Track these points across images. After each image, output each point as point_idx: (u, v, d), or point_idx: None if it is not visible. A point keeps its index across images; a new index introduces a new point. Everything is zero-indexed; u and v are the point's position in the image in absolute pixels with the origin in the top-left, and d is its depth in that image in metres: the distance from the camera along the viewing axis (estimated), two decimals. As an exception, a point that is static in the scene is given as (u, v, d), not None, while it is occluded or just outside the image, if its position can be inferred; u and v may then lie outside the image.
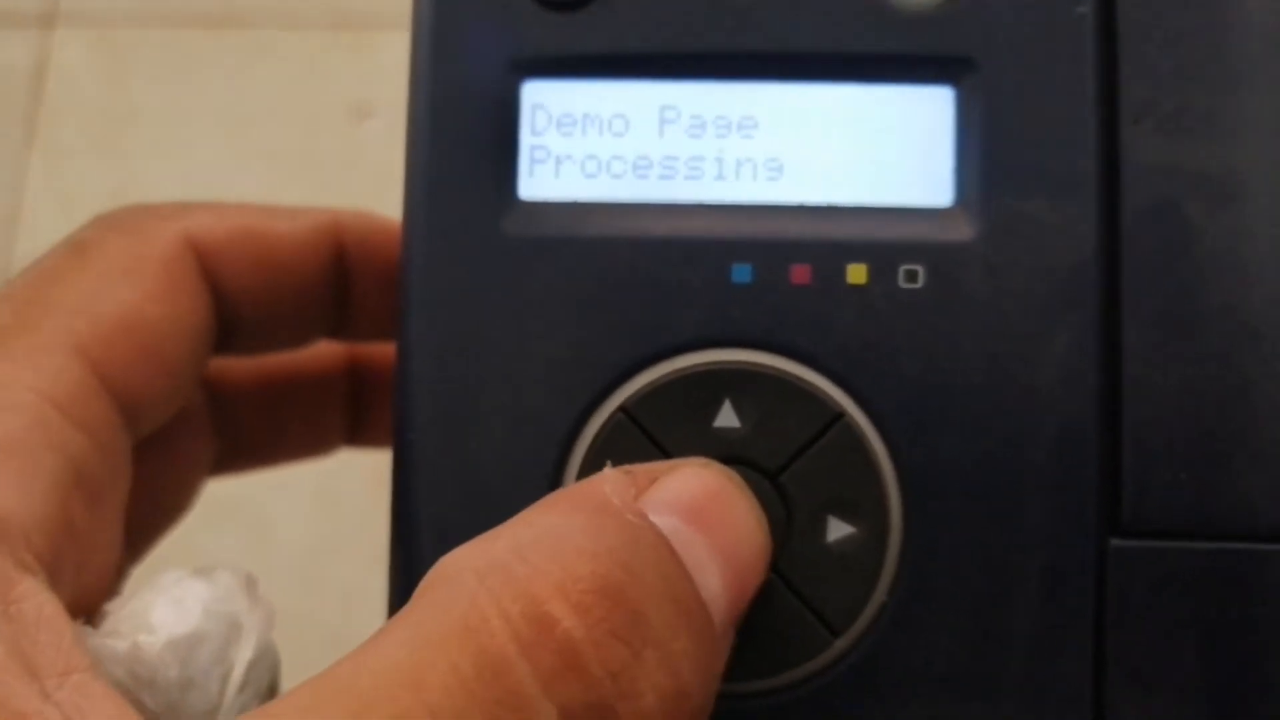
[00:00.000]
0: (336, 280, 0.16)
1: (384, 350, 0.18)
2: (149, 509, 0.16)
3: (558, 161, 0.14)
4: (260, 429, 0.18)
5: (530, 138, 0.14)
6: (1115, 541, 0.13)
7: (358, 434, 0.19)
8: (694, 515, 0.11)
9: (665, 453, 0.13)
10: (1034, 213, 0.13)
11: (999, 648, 0.13)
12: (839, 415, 0.13)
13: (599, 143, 0.14)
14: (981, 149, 0.13)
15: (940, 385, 0.13)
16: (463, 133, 0.14)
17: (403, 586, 0.13)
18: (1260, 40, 0.13)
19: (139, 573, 0.16)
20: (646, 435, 0.13)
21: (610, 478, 0.11)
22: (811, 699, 0.13)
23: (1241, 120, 0.13)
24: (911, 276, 0.13)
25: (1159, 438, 0.13)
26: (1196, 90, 0.13)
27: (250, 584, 0.13)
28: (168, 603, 0.13)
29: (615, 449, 0.13)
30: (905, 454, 0.13)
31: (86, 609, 0.13)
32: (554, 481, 0.13)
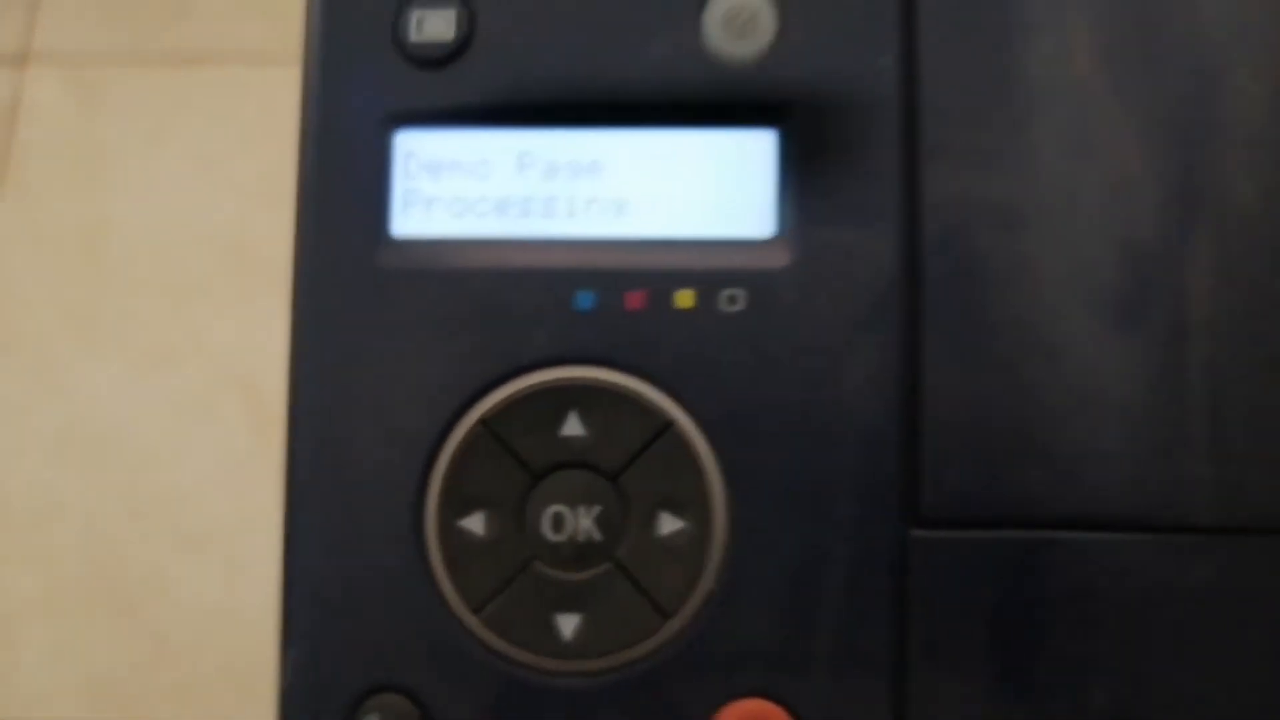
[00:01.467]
0: None
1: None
2: None
3: (427, 202, 0.16)
4: None
5: (403, 181, 0.16)
6: (915, 532, 0.15)
7: None
8: None
9: (519, 459, 0.15)
10: (843, 241, 0.15)
11: (811, 627, 0.15)
12: (669, 423, 0.15)
13: (464, 185, 0.16)
14: (799, 185, 0.15)
15: (759, 396, 0.15)
16: (343, 176, 0.16)
17: (286, 593, 0.15)
18: (1042, 88, 0.15)
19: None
20: (501, 443, 0.15)
21: None
22: (646, 675, 0.15)
23: (1025, 156, 0.15)
24: (733, 300, 0.15)
25: (954, 439, 0.15)
26: (985, 131, 0.15)
27: None
28: None
29: (474, 456, 0.15)
30: (728, 456, 0.15)
31: None
32: (420, 487, 0.15)
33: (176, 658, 0.94)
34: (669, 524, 0.15)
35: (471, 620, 0.15)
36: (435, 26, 0.15)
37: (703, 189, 0.15)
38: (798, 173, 0.15)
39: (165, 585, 0.95)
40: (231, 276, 0.98)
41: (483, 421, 0.15)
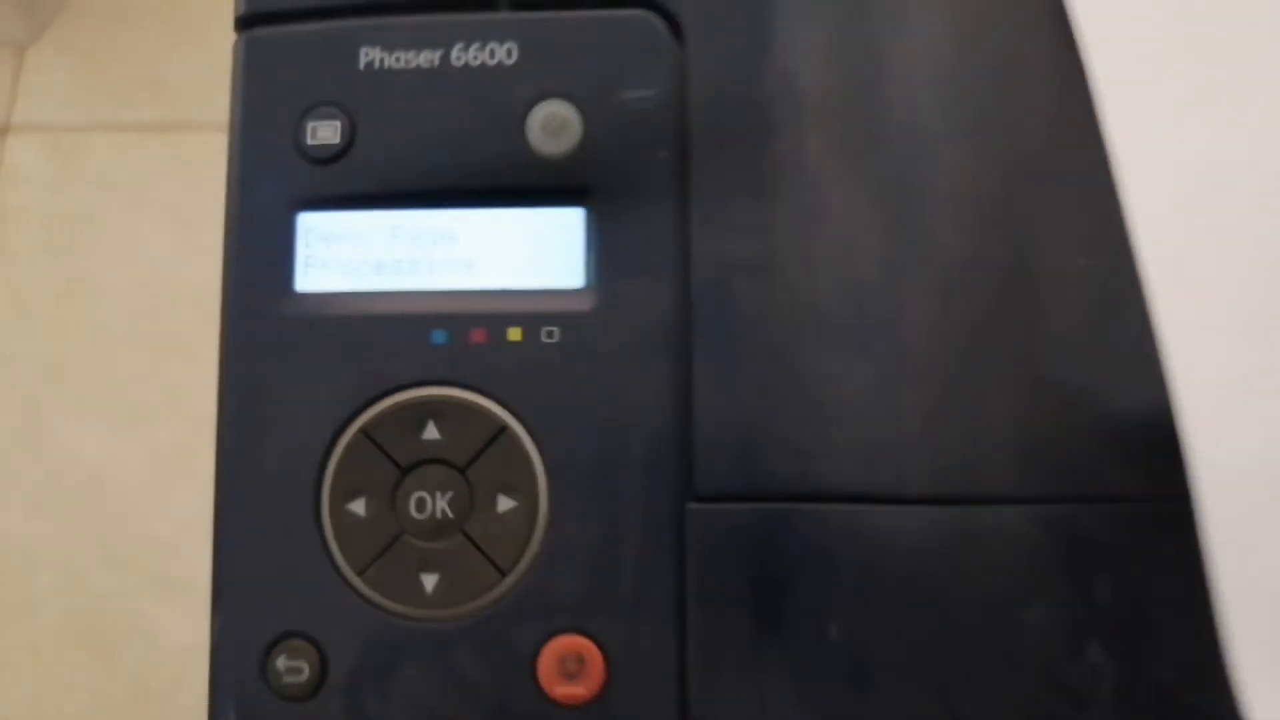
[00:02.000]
0: None
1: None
2: None
3: (322, 265, 0.20)
4: None
5: (303, 250, 0.20)
6: (691, 505, 0.20)
7: None
8: None
9: (390, 458, 0.20)
10: (634, 291, 0.20)
11: (613, 580, 0.19)
12: (504, 428, 0.20)
13: (350, 252, 0.21)
14: (600, 249, 0.20)
15: (572, 406, 0.20)
16: (259, 247, 0.20)
17: (216, 568, 0.20)
18: (784, 171, 0.20)
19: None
20: (377, 446, 0.20)
21: None
22: (489, 619, 0.19)
23: (771, 224, 0.20)
24: (551, 335, 0.20)
25: (719, 435, 0.20)
26: (740, 206, 0.20)
27: None
28: None
29: (357, 457, 0.20)
30: (549, 452, 0.20)
31: None
32: (317, 481, 0.20)
33: (155, 699, 0.97)
34: (505, 504, 0.20)
35: (356, 580, 0.19)
36: (325, 133, 0.20)
37: (529, 252, 0.20)
38: (599, 240, 0.20)
39: (144, 630, 0.98)
40: (208, 334, 1.02)
41: (363, 430, 0.20)
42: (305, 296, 0.20)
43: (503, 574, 0.19)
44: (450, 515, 0.20)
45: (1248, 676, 0.17)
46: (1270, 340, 0.18)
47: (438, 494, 0.20)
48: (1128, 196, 0.19)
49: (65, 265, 1.06)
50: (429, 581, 0.19)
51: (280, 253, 0.20)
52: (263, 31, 0.21)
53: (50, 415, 1.03)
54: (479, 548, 0.19)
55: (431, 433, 0.20)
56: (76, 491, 1.02)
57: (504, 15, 0.20)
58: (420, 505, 0.20)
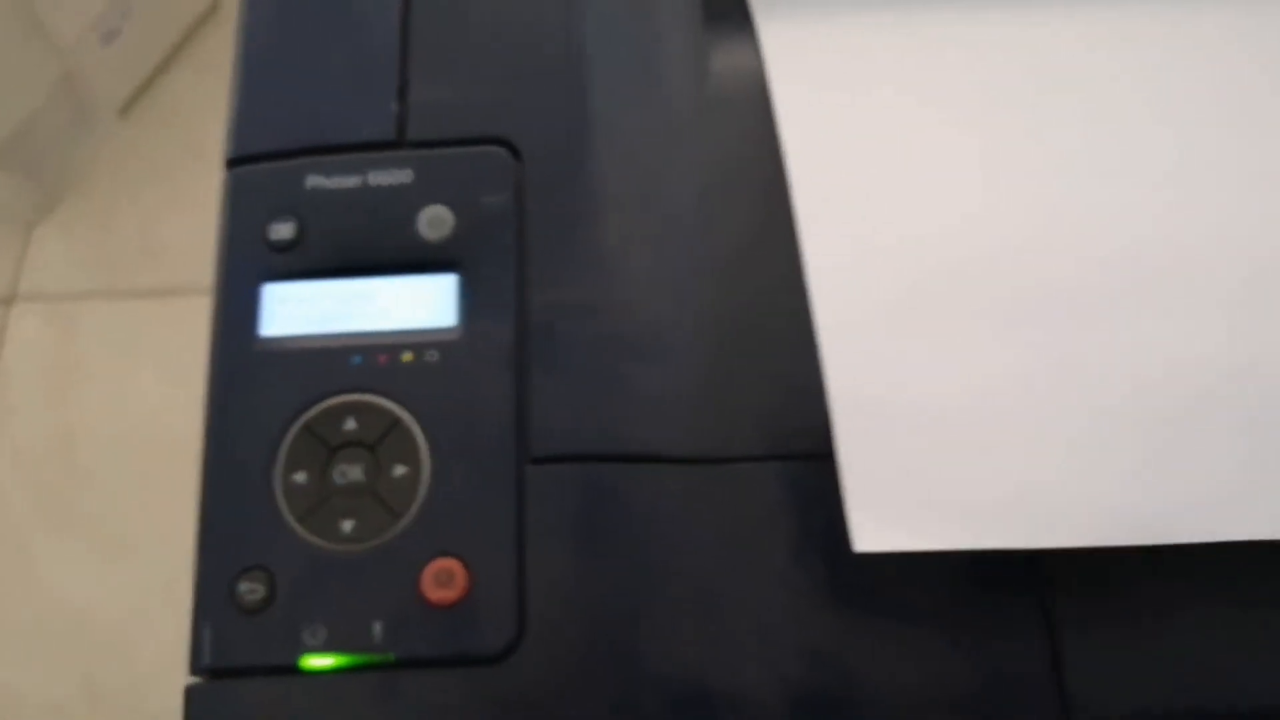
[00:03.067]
0: None
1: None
2: None
3: (279, 318, 0.30)
4: None
5: (267, 308, 0.30)
6: (528, 466, 0.29)
7: None
8: None
9: (323, 442, 0.29)
10: (488, 326, 0.30)
11: (474, 522, 0.28)
12: (399, 420, 0.29)
13: (299, 308, 0.30)
14: (466, 299, 0.30)
15: (446, 403, 0.29)
16: (238, 306, 0.30)
17: (201, 529, 0.29)
18: (598, 239, 0.30)
19: None
20: (315, 436, 0.29)
21: None
22: (389, 549, 0.28)
23: (583, 278, 0.30)
24: (432, 356, 0.29)
25: (547, 417, 0.29)
26: (562, 266, 0.30)
27: None
28: None
29: (300, 443, 0.29)
30: (430, 435, 0.29)
31: None
32: (271, 461, 0.29)
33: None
34: (399, 470, 0.29)
35: (298, 527, 0.28)
36: (283, 232, 0.30)
37: (420, 304, 0.30)
38: (465, 295, 0.30)
39: (125, 766, 1.02)
40: (195, 478, 1.09)
41: (305, 425, 0.29)
42: (267, 339, 0.30)
43: (398, 518, 0.28)
44: (363, 480, 0.29)
45: (853, 509, 0.25)
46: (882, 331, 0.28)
47: (355, 466, 0.29)
48: (807, 254, 0.29)
49: (60, 416, 1.15)
50: (347, 525, 0.28)
51: (251, 310, 0.30)
52: (243, 169, 0.31)
53: (39, 557, 1.10)
54: (382, 501, 0.28)
55: (351, 425, 0.29)
56: (63, 632, 1.08)
57: (403, 152, 0.31)
58: (343, 474, 0.29)
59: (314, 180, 0.31)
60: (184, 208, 1.28)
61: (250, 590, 0.28)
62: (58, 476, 1.17)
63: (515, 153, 0.31)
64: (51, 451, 1.11)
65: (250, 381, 0.29)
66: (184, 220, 1.27)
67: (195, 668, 0.28)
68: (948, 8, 0.35)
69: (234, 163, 0.32)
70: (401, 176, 0.31)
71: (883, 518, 0.25)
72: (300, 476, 0.29)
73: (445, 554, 0.28)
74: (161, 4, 1.24)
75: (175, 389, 1.18)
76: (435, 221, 0.30)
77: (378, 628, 0.28)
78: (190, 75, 1.30)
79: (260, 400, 0.29)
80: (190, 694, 0.28)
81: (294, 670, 0.27)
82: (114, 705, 1.09)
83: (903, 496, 0.26)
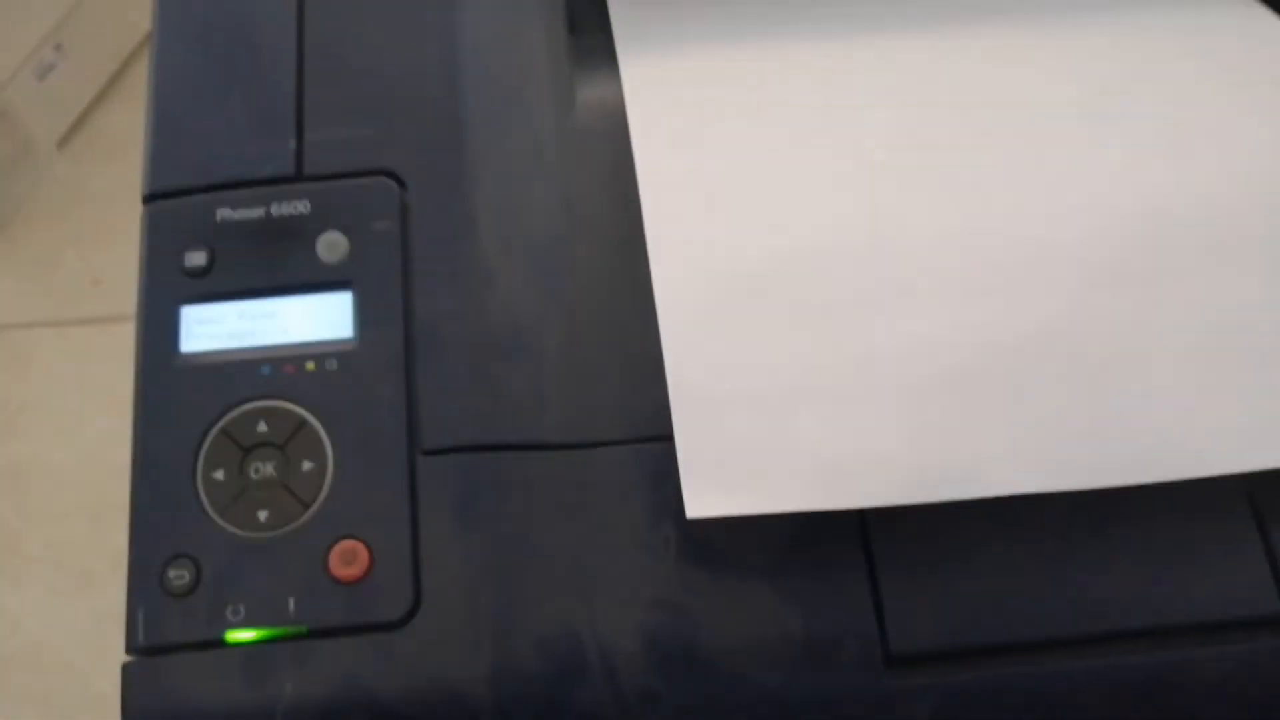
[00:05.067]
0: None
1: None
2: None
3: (196, 336, 0.34)
4: None
5: (185, 327, 0.34)
6: (420, 456, 0.33)
7: None
8: None
9: (238, 444, 0.33)
10: (380, 336, 0.34)
11: (373, 507, 0.32)
12: (305, 421, 0.33)
13: (213, 327, 0.34)
14: (360, 314, 0.34)
15: (345, 405, 0.33)
16: (159, 328, 0.34)
17: (132, 516, 0.32)
18: (473, 254, 0.35)
19: None
20: (230, 438, 0.33)
21: None
22: (299, 534, 0.32)
23: (461, 289, 0.34)
24: (332, 365, 0.33)
25: (434, 412, 0.33)
26: (442, 281, 0.34)
27: None
28: None
29: (219, 445, 0.33)
30: (332, 434, 0.33)
31: None
32: (195, 461, 0.33)
33: None
34: (307, 465, 0.33)
35: (218, 519, 0.32)
36: (196, 259, 0.34)
37: (319, 319, 0.34)
38: (359, 310, 0.34)
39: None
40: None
41: (222, 429, 0.33)
42: (186, 354, 0.34)
43: (307, 507, 0.32)
44: (275, 475, 0.33)
45: (685, 479, 0.30)
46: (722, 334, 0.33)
47: (268, 464, 0.33)
48: (652, 260, 0.34)
49: (10, 447, 1.17)
50: (262, 515, 0.32)
51: (171, 330, 0.34)
52: (158, 204, 0.35)
53: (-6, 588, 1.11)
54: (292, 492, 0.32)
55: (263, 427, 0.33)
56: (18, 657, 1.10)
57: (301, 185, 0.35)
58: (256, 470, 0.33)
59: (223, 213, 0.35)
60: (125, 237, 1.29)
61: (178, 576, 0.32)
62: (9, 510, 1.18)
63: (400, 182, 0.35)
64: (3, 483, 1.13)
65: (173, 392, 0.33)
66: (125, 250, 1.28)
67: (130, 647, 0.32)
68: (789, 38, 0.40)
69: (150, 198, 0.36)
70: (300, 207, 0.35)
71: (712, 486, 0.30)
72: (219, 474, 0.33)
73: (349, 537, 0.32)
74: (95, 38, 1.27)
75: (123, 416, 1.19)
76: (331, 246, 0.35)
77: (291, 603, 0.31)
78: (126, 107, 1.32)
79: (182, 408, 0.33)
80: (127, 670, 0.31)
81: (219, 644, 0.31)
82: (72, 726, 1.10)
83: (728, 468, 0.30)
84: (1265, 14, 0.41)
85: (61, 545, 1.12)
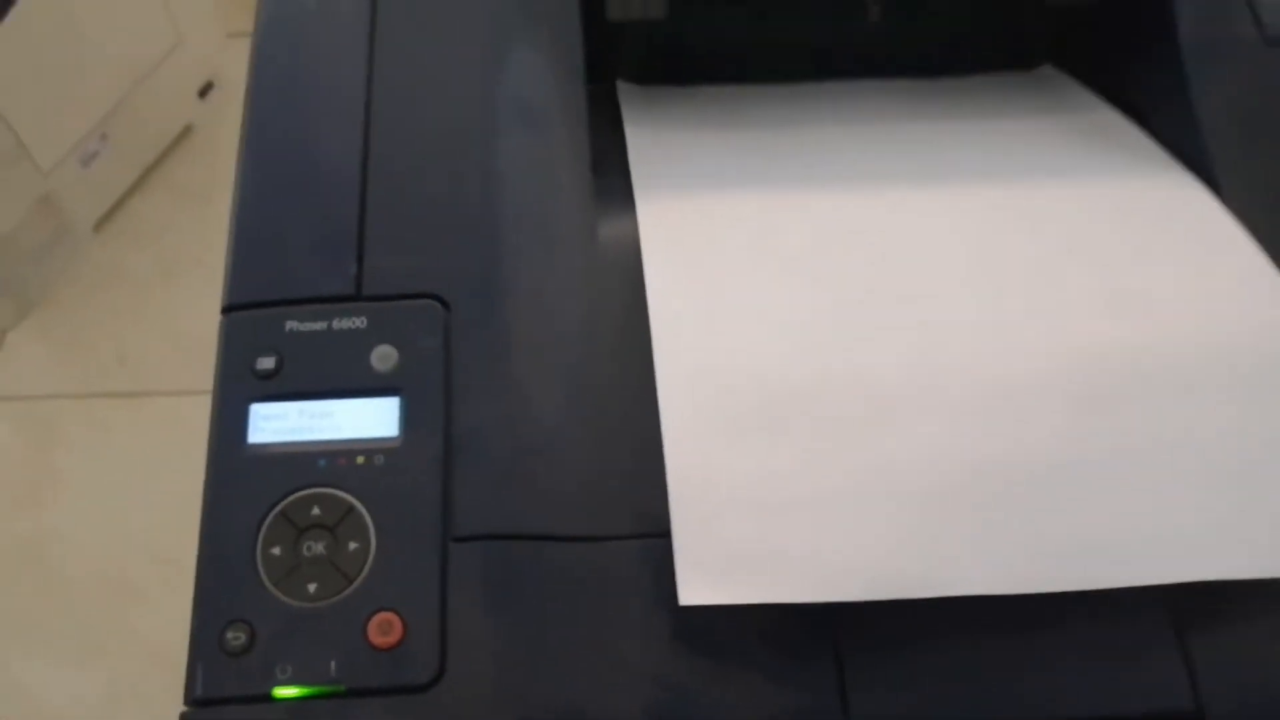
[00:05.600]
0: None
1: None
2: None
3: (262, 430, 0.39)
4: None
5: (253, 422, 0.40)
6: (451, 543, 0.38)
7: None
8: None
9: (294, 524, 0.38)
10: (422, 436, 0.39)
11: (409, 585, 0.37)
12: (353, 507, 0.38)
13: (277, 423, 0.40)
14: (406, 416, 0.40)
15: (390, 494, 0.38)
16: (230, 421, 0.39)
17: (197, 588, 0.37)
18: (506, 366, 0.40)
19: None
20: (288, 520, 0.38)
21: None
22: (343, 605, 0.37)
23: (498, 394, 0.40)
24: (380, 459, 0.39)
25: (467, 505, 0.38)
26: (480, 389, 0.40)
27: None
28: None
29: (277, 526, 0.38)
30: (377, 519, 0.38)
31: None
32: (255, 539, 0.38)
33: None
34: (353, 545, 0.38)
35: (273, 589, 0.37)
36: (266, 363, 0.40)
37: (370, 420, 0.40)
38: (405, 412, 0.40)
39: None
40: (162, 576, 1.16)
41: (281, 511, 0.38)
42: (253, 445, 0.39)
43: (350, 581, 0.37)
44: (324, 553, 0.38)
45: (680, 570, 0.35)
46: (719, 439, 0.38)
47: (319, 543, 0.38)
48: (659, 377, 0.39)
49: (30, 519, 1.21)
50: (311, 587, 0.37)
51: (241, 423, 0.39)
52: (236, 314, 0.41)
53: (12, 660, 1.15)
54: (338, 569, 0.38)
55: (316, 511, 0.38)
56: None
57: (359, 304, 0.41)
58: (309, 548, 0.38)
59: (291, 325, 0.41)
60: (152, 317, 1.36)
61: (235, 638, 0.37)
62: (27, 582, 1.21)
63: (445, 305, 0.41)
64: (22, 556, 1.16)
65: (239, 477, 0.39)
66: (152, 329, 1.35)
67: (188, 699, 0.36)
68: (784, 186, 0.46)
69: (228, 309, 0.41)
70: (358, 323, 0.41)
71: (703, 578, 0.35)
72: (276, 550, 0.38)
73: (386, 609, 0.37)
74: (138, 130, 1.35)
75: (142, 488, 1.24)
76: (383, 357, 0.40)
77: (333, 665, 0.36)
78: (161, 195, 1.40)
79: (247, 492, 0.38)
80: (184, 719, 0.36)
81: (267, 699, 0.36)
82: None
83: (718, 562, 0.35)
84: (1194, 184, 0.47)
85: (78, 618, 1.15)
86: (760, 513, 0.36)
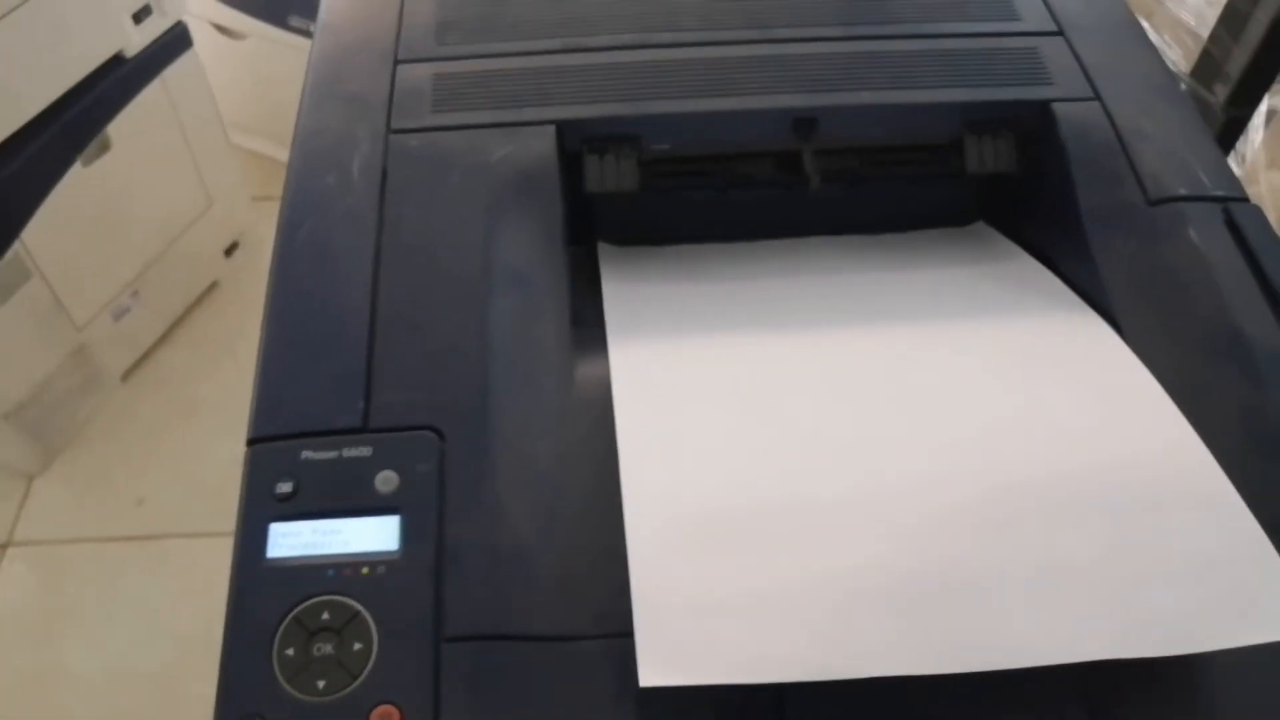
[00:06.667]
0: None
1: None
2: None
3: (279, 546, 0.45)
4: None
5: (271, 539, 0.46)
6: (444, 644, 0.43)
7: None
8: None
9: (305, 628, 0.44)
10: (419, 550, 0.45)
11: (407, 680, 0.43)
12: (358, 612, 0.44)
13: (293, 540, 0.46)
14: (405, 532, 0.46)
15: (392, 601, 0.44)
16: (251, 540, 0.46)
17: (221, 683, 0.43)
18: (493, 486, 0.46)
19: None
20: (300, 624, 0.44)
21: None
22: (349, 700, 0.42)
23: (489, 510, 0.46)
24: (381, 571, 0.45)
25: (459, 610, 0.44)
26: (469, 504, 0.46)
27: None
28: None
29: (292, 629, 0.44)
30: (379, 623, 0.44)
31: None
32: (272, 641, 0.43)
33: None
34: (357, 646, 0.43)
35: (285, 685, 0.43)
36: (284, 488, 0.46)
37: (372, 536, 0.46)
38: (404, 528, 0.46)
39: None
40: (165, 709, 1.19)
41: (294, 617, 0.44)
42: (271, 559, 0.45)
43: (355, 678, 0.43)
44: (332, 652, 0.43)
45: (640, 654, 0.40)
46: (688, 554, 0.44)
47: (328, 645, 0.43)
48: (624, 496, 0.45)
49: (36, 656, 1.25)
50: (320, 683, 0.43)
51: (262, 540, 0.45)
52: (259, 445, 0.48)
53: (12, 792, 1.17)
54: (344, 667, 0.43)
55: (325, 616, 0.44)
56: None
57: (366, 435, 0.48)
58: (318, 649, 0.43)
59: (306, 454, 0.47)
60: (170, 462, 1.42)
61: (252, 730, 0.42)
62: (32, 715, 1.25)
63: (441, 435, 0.48)
64: (29, 690, 1.20)
65: (258, 587, 0.44)
66: (168, 474, 1.41)
67: (211, 782, 0.41)
68: (740, 334, 0.53)
69: (253, 441, 0.48)
70: (364, 451, 0.47)
71: (661, 663, 0.40)
72: (290, 651, 0.43)
73: (387, 702, 0.42)
74: (167, 286, 1.44)
75: (150, 625, 1.28)
76: (386, 481, 0.47)
77: (338, 752, 0.41)
78: (186, 347, 1.48)
79: (265, 600, 0.44)
80: (206, 800, 0.41)
81: (279, 783, 0.41)
82: None
83: (674, 649, 0.41)
84: (1097, 322, 0.54)
85: (79, 750, 1.17)
86: (710, 610, 0.42)
